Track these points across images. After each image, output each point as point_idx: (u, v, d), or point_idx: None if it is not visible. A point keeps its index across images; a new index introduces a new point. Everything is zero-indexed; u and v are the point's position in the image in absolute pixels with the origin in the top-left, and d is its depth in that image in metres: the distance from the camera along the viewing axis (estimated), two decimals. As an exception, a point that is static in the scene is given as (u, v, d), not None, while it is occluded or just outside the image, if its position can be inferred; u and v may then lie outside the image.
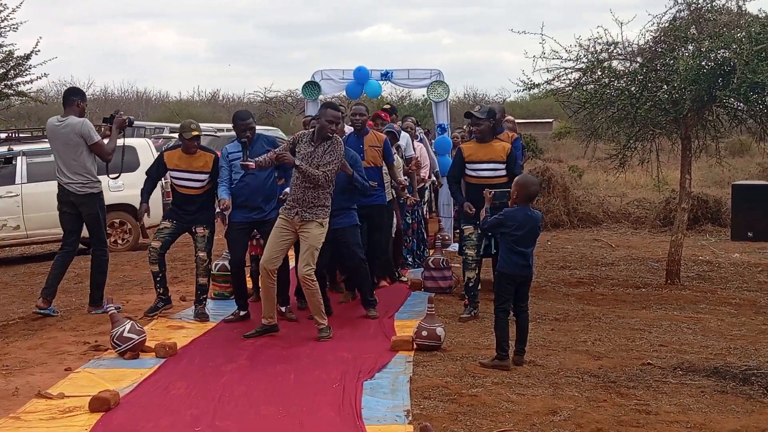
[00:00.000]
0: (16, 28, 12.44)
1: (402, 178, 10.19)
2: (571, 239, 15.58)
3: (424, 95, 15.30)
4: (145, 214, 9.12)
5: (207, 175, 8.85)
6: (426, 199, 12.62)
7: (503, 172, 8.67)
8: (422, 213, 12.03)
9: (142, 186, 9.23)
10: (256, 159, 7.90)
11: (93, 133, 9.25)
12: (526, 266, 7.12)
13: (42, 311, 9.02)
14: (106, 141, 9.33)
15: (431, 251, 11.19)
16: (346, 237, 8.61)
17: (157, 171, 9.17)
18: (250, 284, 9.38)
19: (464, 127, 15.20)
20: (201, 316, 8.86)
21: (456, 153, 9.35)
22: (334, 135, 7.97)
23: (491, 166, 8.74)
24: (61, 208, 9.33)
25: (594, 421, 5.56)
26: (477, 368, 6.80)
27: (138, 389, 6.43)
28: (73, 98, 9.62)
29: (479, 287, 9.04)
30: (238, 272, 8.87)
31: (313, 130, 8.02)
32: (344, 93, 14.02)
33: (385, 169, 9.71)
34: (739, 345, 7.71)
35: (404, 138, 11.41)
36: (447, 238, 11.31)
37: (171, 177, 9.06)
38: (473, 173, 8.87)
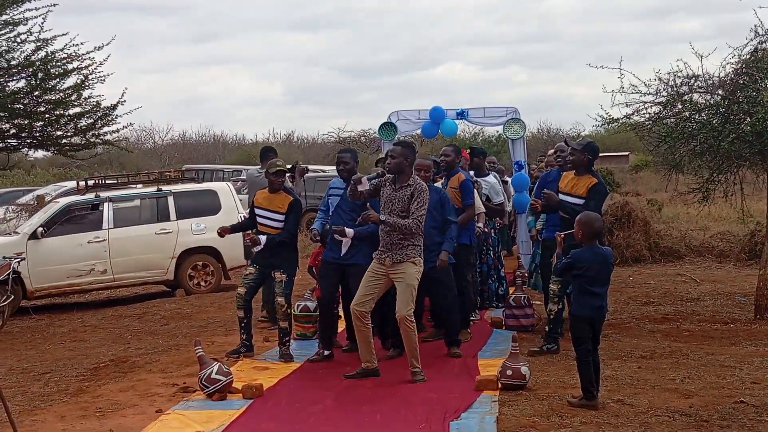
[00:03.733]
0: (104, 80, 12.79)
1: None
2: (654, 274, 15.36)
3: (497, 131, 15.30)
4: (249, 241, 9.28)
5: (284, 215, 8.98)
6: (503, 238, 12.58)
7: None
8: (498, 252, 12.00)
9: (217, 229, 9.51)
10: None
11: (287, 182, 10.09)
12: (600, 307, 7.06)
13: None
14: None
15: (511, 289, 11.16)
16: (438, 274, 8.62)
17: (252, 211, 9.30)
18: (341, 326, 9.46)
19: (539, 158, 15.13)
20: (285, 357, 8.92)
21: (537, 182, 9.31)
22: (414, 178, 7.98)
23: (571, 200, 8.69)
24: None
25: (687, 460, 5.51)
26: (564, 407, 6.74)
27: (227, 431, 6.51)
28: (270, 154, 11.24)
29: (562, 323, 8.94)
30: (326, 311, 8.95)
31: (392, 173, 8.03)
32: (420, 132, 14.11)
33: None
34: (835, 382, 7.55)
35: (491, 182, 11.52)
36: (525, 275, 11.26)
37: (256, 215, 9.14)
38: (564, 202, 8.81)
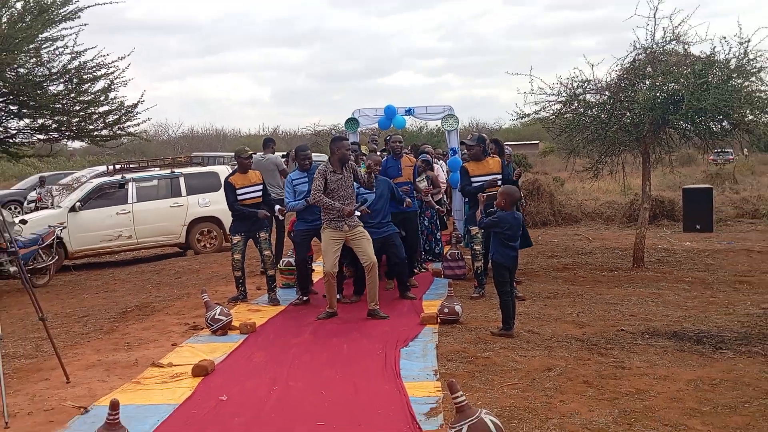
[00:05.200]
0: (126, 84, 12.65)
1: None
2: (557, 234, 15.51)
3: (437, 125, 15.33)
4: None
5: (261, 186, 8.99)
6: (443, 206, 12.60)
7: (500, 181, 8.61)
8: (437, 218, 12.00)
9: (225, 203, 9.37)
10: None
11: (282, 164, 11.15)
12: (515, 257, 7.15)
13: None
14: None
15: (446, 247, 11.19)
16: (393, 240, 8.68)
17: (234, 195, 8.98)
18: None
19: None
20: (273, 301, 8.93)
21: (461, 170, 9.33)
22: (350, 161, 8.02)
23: (488, 177, 8.73)
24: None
25: (581, 375, 5.59)
26: (488, 336, 6.83)
27: (228, 359, 6.52)
28: (270, 143, 11.87)
29: (486, 274, 9.03)
30: (301, 266, 8.93)
31: (330, 161, 7.97)
32: (377, 125, 14.06)
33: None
34: (692, 314, 7.67)
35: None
36: (459, 236, 11.32)
37: (238, 195, 8.93)
38: (476, 184, 8.88)
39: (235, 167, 9.26)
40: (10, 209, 20.42)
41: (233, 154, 9.98)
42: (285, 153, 13.43)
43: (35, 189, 18.13)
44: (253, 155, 9.30)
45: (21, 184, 26.73)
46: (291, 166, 11.69)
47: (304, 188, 8.63)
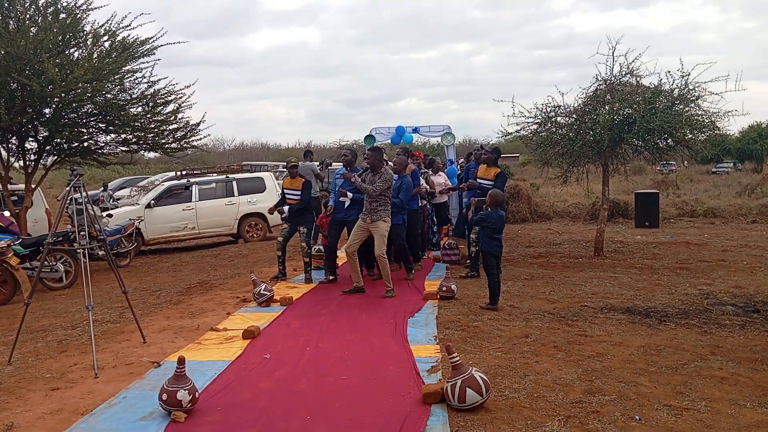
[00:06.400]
0: (191, 107, 12.80)
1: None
2: (533, 229, 15.47)
3: (438, 141, 15.29)
4: (277, 212, 9.29)
5: (300, 192, 8.91)
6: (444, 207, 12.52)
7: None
8: (432, 216, 11.92)
9: (268, 202, 9.50)
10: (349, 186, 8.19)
11: (317, 169, 11.88)
12: (500, 246, 7.14)
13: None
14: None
15: (444, 238, 11.17)
16: (393, 230, 8.60)
17: (282, 196, 9.22)
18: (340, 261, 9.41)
19: (461, 160, 15.07)
20: (308, 280, 8.93)
21: (476, 168, 9.32)
22: (384, 167, 7.91)
23: (488, 182, 8.69)
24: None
25: (552, 341, 5.57)
26: (478, 310, 6.82)
27: (271, 325, 6.54)
28: (309, 154, 13.34)
29: (479, 259, 8.99)
30: (330, 252, 8.91)
31: (368, 167, 7.90)
32: (390, 141, 14.05)
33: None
34: (642, 293, 7.64)
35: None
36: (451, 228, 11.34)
37: (286, 195, 9.10)
38: (481, 183, 8.84)
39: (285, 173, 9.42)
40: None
41: (277, 164, 10.12)
42: (321, 161, 14.10)
43: (99, 194, 18.08)
44: (296, 166, 9.25)
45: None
46: (325, 171, 12.70)
47: (340, 182, 8.64)
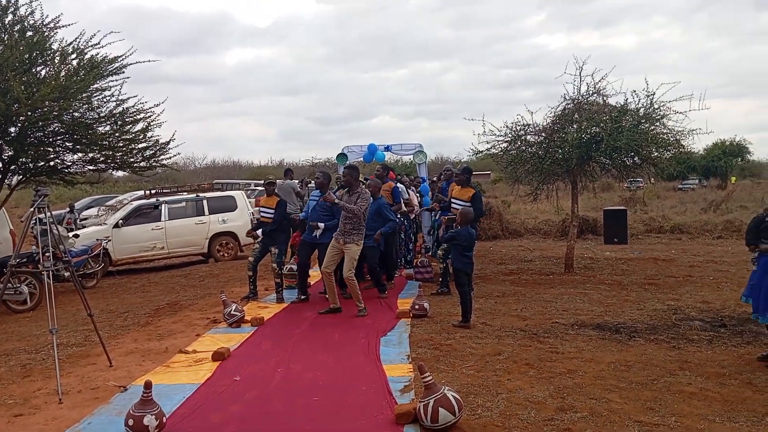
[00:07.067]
0: (160, 126, 12.56)
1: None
2: (505, 245, 15.57)
3: (410, 159, 15.40)
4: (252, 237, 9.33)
5: (273, 210, 8.83)
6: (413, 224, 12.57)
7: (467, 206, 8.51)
8: (411, 233, 12.00)
9: (240, 221, 9.47)
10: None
11: (297, 187, 12.17)
12: (471, 264, 7.17)
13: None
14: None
15: (417, 256, 11.17)
16: (367, 252, 8.56)
17: (258, 211, 9.15)
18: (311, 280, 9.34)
19: (434, 178, 15.16)
20: (279, 300, 8.84)
21: (449, 188, 9.37)
22: (361, 186, 7.90)
23: (461, 202, 8.66)
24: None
25: (524, 358, 5.59)
26: (450, 328, 6.82)
27: (241, 346, 6.45)
28: (289, 173, 13.45)
29: (449, 277, 9.00)
30: (303, 271, 8.84)
31: (345, 186, 7.90)
32: (362, 159, 14.08)
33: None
34: (611, 309, 7.72)
35: (402, 188, 11.51)
36: (428, 247, 11.33)
37: (261, 211, 9.00)
38: (453, 205, 8.83)
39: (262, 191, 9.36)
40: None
41: (249, 181, 10.07)
42: (301, 179, 14.58)
43: (65, 215, 17.67)
44: (273, 183, 9.16)
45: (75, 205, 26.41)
46: (305, 189, 13.02)
47: (313, 204, 8.64)
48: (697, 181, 50.87)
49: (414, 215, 12.22)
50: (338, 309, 7.91)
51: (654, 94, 10.00)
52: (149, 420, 4.05)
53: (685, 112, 9.77)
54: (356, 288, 7.78)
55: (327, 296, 8.05)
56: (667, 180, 42.08)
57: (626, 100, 10.27)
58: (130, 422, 4.07)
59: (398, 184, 11.25)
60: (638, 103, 10.16)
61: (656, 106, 10.00)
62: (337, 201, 7.71)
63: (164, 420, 4.17)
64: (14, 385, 5.46)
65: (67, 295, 10.97)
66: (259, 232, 8.98)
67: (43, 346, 6.82)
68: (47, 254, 5.52)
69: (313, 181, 10.72)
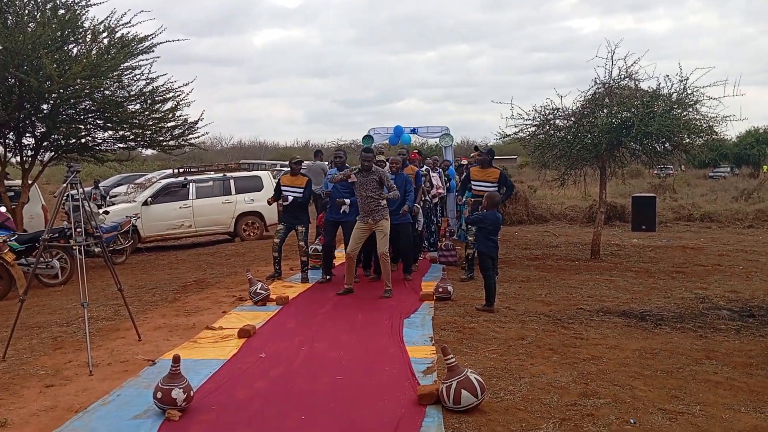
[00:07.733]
0: (189, 105, 12.72)
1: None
2: (530, 231, 15.48)
3: (436, 142, 15.30)
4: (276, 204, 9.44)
5: (303, 189, 8.86)
6: (438, 206, 12.54)
7: (494, 188, 8.38)
8: (437, 216, 11.99)
9: (267, 199, 9.54)
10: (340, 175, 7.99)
11: (327, 168, 11.32)
12: (496, 247, 7.14)
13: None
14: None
15: (442, 239, 11.16)
16: (402, 228, 8.61)
17: (277, 190, 9.11)
18: (337, 261, 9.37)
19: (461, 159, 15.08)
20: (304, 279, 8.92)
21: (465, 173, 9.30)
22: (378, 169, 7.86)
23: (486, 184, 8.66)
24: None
25: (548, 344, 5.57)
26: (473, 311, 6.82)
27: (266, 324, 6.53)
28: (319, 154, 13.49)
29: (475, 261, 8.98)
30: (327, 252, 8.89)
31: (359, 166, 7.85)
32: (388, 141, 14.06)
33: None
34: (637, 297, 7.65)
35: (430, 171, 11.49)
36: (452, 230, 11.32)
37: (283, 191, 8.97)
38: (475, 187, 8.82)
39: (286, 171, 9.33)
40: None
41: (275, 162, 10.08)
42: (330, 161, 14.42)
43: (91, 191, 18.07)
44: (301, 162, 9.15)
45: (104, 183, 26.85)
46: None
47: (327, 182, 8.71)
48: (728, 169, 49.79)
49: (437, 198, 12.21)
50: (351, 290, 7.95)
51: (687, 78, 9.80)
52: (177, 393, 4.14)
53: (719, 98, 9.57)
54: (388, 266, 7.81)
55: (345, 277, 8.11)
56: (698, 167, 41.28)
57: (659, 85, 10.10)
58: (159, 395, 4.16)
59: (422, 168, 11.22)
60: (671, 88, 9.98)
61: (689, 92, 9.80)
62: (386, 181, 7.66)
63: (192, 394, 4.26)
64: (46, 356, 5.61)
65: (97, 270, 11.20)
66: (290, 198, 8.80)
67: (74, 320, 6.99)
68: (79, 230, 5.63)
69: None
